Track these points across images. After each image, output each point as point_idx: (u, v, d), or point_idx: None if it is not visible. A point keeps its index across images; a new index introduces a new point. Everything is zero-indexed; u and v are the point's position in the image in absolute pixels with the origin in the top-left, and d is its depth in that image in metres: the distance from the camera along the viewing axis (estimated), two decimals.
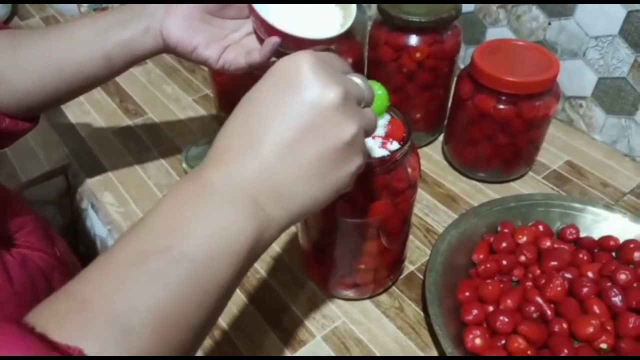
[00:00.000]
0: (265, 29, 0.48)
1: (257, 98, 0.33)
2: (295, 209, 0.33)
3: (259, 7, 0.47)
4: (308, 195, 0.33)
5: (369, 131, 0.36)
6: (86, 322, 0.25)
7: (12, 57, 0.51)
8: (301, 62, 0.32)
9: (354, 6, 0.50)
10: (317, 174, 0.32)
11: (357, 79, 0.35)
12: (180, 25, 0.50)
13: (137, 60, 0.53)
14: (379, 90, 0.42)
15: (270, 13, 0.48)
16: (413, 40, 0.64)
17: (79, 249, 0.73)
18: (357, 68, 0.71)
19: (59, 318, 0.26)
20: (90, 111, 0.84)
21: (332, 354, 0.51)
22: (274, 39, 0.47)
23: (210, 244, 0.29)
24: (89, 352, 0.24)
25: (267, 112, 0.32)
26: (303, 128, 0.31)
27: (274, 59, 0.50)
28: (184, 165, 0.71)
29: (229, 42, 0.52)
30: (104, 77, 0.54)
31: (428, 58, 0.65)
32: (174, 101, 0.86)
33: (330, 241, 0.51)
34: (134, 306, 0.26)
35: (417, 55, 0.64)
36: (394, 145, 0.45)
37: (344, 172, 0.33)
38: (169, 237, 0.29)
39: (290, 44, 0.48)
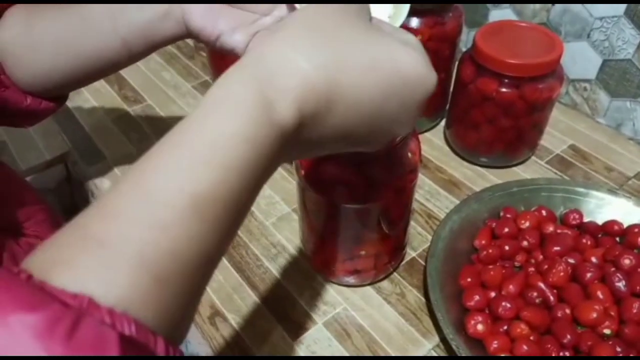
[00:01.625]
0: None
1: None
2: (338, 124, 0.30)
3: None
4: (360, 110, 0.30)
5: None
6: (97, 258, 0.21)
7: (27, 35, 0.49)
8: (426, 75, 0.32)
9: (406, 7, 0.47)
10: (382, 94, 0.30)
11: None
12: (202, 9, 0.45)
13: (157, 45, 0.49)
14: None
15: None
16: (414, 22, 0.63)
17: None
18: None
19: (68, 261, 0.21)
20: (89, 99, 0.83)
21: (333, 340, 0.51)
22: None
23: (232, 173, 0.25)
24: (105, 300, 0.20)
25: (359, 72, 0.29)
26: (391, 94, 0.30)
27: None
28: None
29: (259, 28, 0.46)
30: (123, 62, 0.50)
31: (429, 40, 0.63)
32: (172, 88, 0.85)
33: (330, 227, 0.50)
34: (146, 238, 0.22)
35: (418, 37, 0.63)
36: None
37: (410, 108, 0.32)
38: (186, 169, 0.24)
39: None
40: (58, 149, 0.76)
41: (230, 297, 0.55)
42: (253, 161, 0.25)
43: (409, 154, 0.46)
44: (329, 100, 0.28)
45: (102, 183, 0.69)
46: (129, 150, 0.73)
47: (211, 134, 0.25)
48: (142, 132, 0.76)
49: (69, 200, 0.76)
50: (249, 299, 0.55)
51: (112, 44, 0.48)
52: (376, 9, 0.48)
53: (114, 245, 0.21)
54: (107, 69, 0.51)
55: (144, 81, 0.86)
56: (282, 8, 0.47)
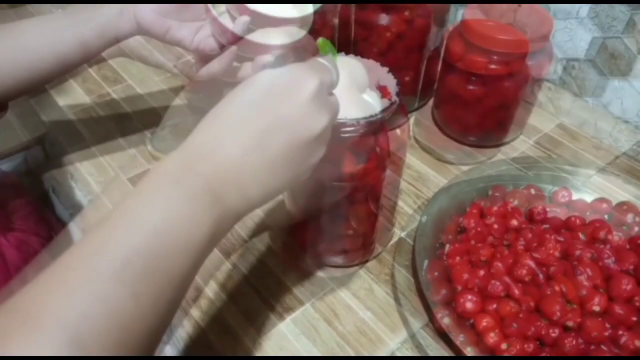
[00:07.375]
0: (225, 35, 0.49)
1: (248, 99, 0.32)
2: (255, 198, 0.33)
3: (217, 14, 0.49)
4: (270, 186, 0.33)
5: (334, 118, 0.36)
6: (31, 335, 0.23)
7: None
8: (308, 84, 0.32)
9: (310, 13, 0.51)
10: (283, 164, 0.32)
11: (326, 62, 0.35)
12: (153, 8, 0.51)
13: (111, 43, 0.53)
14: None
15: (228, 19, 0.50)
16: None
17: (57, 219, 0.71)
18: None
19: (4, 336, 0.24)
20: (66, 79, 0.80)
21: (321, 321, 0.50)
22: (233, 48, 0.50)
23: (165, 239, 0.28)
24: None
25: (244, 109, 0.32)
26: (277, 117, 0.31)
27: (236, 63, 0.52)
28: (162, 131, 0.69)
29: (202, 24, 0.52)
30: (77, 62, 0.53)
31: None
32: (152, 67, 0.83)
33: (317, 206, 0.49)
34: (84, 312, 0.24)
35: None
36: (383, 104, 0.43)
37: (307, 164, 0.34)
38: (120, 235, 0.27)
39: (249, 49, 0.50)
40: (35, 130, 0.74)
41: (215, 279, 0.53)
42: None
43: (398, 131, 0.45)
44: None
45: (81, 164, 0.67)
46: (109, 131, 0.71)
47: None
48: (122, 112, 0.74)
49: (46, 182, 0.74)
50: (235, 279, 0.53)
51: (71, 46, 0.51)
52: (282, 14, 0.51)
53: (40, 318, 0.24)
54: (60, 70, 0.53)
55: (124, 60, 0.84)
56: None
